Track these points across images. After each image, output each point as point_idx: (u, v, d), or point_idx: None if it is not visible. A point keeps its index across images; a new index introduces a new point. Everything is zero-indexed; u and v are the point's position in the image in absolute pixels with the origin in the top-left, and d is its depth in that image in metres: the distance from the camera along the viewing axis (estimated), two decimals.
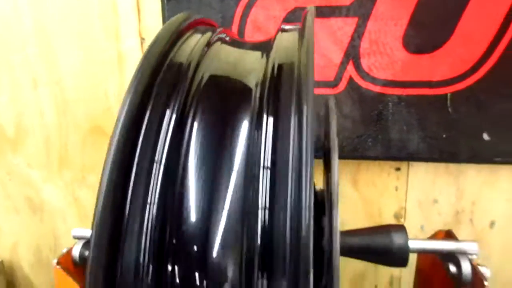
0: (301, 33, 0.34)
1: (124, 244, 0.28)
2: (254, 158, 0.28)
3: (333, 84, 0.80)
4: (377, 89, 0.79)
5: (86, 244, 0.51)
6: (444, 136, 0.78)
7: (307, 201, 0.25)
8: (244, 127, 0.30)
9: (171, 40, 0.34)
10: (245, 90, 0.32)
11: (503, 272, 0.86)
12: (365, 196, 0.88)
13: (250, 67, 0.34)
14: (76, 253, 0.50)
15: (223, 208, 0.28)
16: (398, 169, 0.85)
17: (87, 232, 0.52)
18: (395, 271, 0.92)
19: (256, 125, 0.30)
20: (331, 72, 0.80)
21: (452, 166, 0.83)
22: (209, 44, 0.36)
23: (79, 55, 0.93)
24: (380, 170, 0.86)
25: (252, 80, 0.32)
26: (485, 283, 0.41)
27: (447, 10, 0.73)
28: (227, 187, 0.28)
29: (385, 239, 0.44)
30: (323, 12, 0.77)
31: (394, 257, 0.44)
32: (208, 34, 0.38)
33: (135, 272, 0.28)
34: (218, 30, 0.40)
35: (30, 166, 1.05)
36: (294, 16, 0.78)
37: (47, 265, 1.14)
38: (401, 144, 0.80)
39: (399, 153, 0.80)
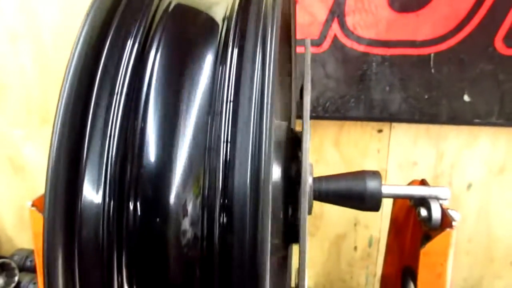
0: None
1: (83, 181, 0.27)
2: (218, 93, 0.28)
3: (318, 42, 0.79)
4: (361, 48, 0.78)
5: None
6: (426, 97, 0.78)
7: (268, 136, 0.25)
8: (209, 61, 0.29)
9: None
10: (212, 23, 0.31)
11: (479, 232, 0.89)
12: (347, 157, 0.89)
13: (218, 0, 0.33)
14: None
15: (186, 142, 0.27)
16: (380, 131, 0.86)
17: None
18: (374, 232, 0.94)
19: (221, 60, 0.29)
20: (316, 30, 0.79)
21: (433, 129, 0.83)
22: None
23: (59, 8, 0.90)
24: (363, 132, 0.86)
25: (220, 13, 0.31)
26: (454, 223, 0.41)
27: None
28: (189, 122, 0.27)
29: (360, 184, 0.45)
30: None
31: (368, 201, 0.45)
32: None
33: (96, 211, 0.27)
34: None
35: (11, 125, 1.03)
36: None
37: (30, 225, 1.14)
38: (383, 104, 0.80)
39: (381, 114, 0.80)
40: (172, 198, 0.26)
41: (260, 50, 0.27)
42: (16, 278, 0.93)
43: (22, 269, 0.99)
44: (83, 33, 0.28)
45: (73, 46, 0.28)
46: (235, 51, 0.29)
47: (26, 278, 0.95)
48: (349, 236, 0.96)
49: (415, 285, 0.52)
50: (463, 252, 0.89)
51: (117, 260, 0.26)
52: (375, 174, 0.46)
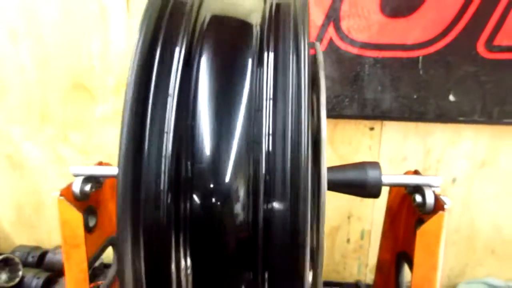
0: None
1: (145, 171, 0.31)
2: (258, 91, 0.32)
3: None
4: (355, 50, 0.83)
5: (85, 180, 0.54)
6: (414, 96, 0.84)
7: (306, 128, 0.30)
8: (247, 63, 0.33)
9: None
10: (247, 29, 0.35)
11: (463, 223, 0.95)
12: (340, 154, 0.94)
13: (250, 7, 0.37)
14: (76, 188, 0.53)
15: (232, 137, 0.31)
16: (372, 128, 0.91)
17: (84, 169, 0.55)
18: (366, 225, 1.00)
19: (258, 62, 0.33)
20: (313, 33, 0.83)
21: (421, 126, 0.89)
22: None
23: (59, 7, 0.92)
24: (356, 130, 0.92)
25: (253, 20, 0.36)
26: (445, 206, 0.47)
27: None
28: (234, 118, 0.32)
29: (362, 174, 0.49)
30: None
31: (369, 189, 0.49)
32: None
33: (155, 199, 0.31)
34: None
35: (10, 122, 1.04)
36: None
37: (29, 223, 1.15)
38: (375, 103, 0.85)
39: (373, 112, 0.86)
40: (227, 186, 0.30)
41: (294, 53, 0.32)
42: (20, 273, 0.95)
43: (24, 264, 1.00)
44: (139, 47, 0.32)
45: (132, 58, 0.32)
46: (271, 54, 0.33)
47: (29, 273, 0.97)
48: (343, 228, 1.01)
49: (410, 267, 0.57)
50: (450, 242, 0.96)
51: (175, 239, 0.31)
52: (375, 164, 0.50)
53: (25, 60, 0.97)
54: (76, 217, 0.52)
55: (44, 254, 1.06)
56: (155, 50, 0.32)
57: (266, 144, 0.31)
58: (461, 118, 0.84)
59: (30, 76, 0.98)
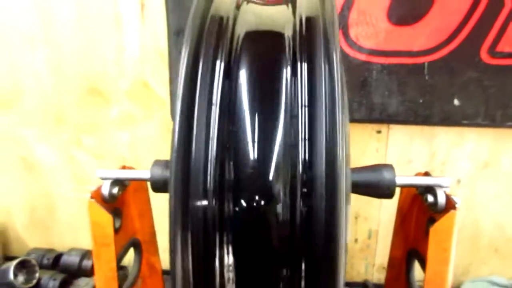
0: None
1: (193, 175, 0.34)
2: (293, 99, 0.35)
3: None
4: (363, 57, 0.87)
5: (113, 183, 0.57)
6: (420, 100, 0.87)
7: (341, 133, 0.33)
8: (282, 73, 0.36)
9: None
10: (280, 41, 0.38)
11: (467, 222, 0.98)
12: None
13: (281, 21, 0.40)
14: (105, 191, 0.55)
15: (271, 142, 0.34)
16: (379, 131, 0.94)
17: (111, 173, 0.58)
18: (373, 225, 1.03)
19: (292, 71, 0.36)
20: None
21: (426, 129, 0.93)
22: (239, 3, 0.42)
23: (76, 16, 0.94)
24: (363, 133, 0.95)
25: (285, 32, 0.38)
26: (457, 205, 0.50)
27: None
28: (272, 125, 0.34)
29: (377, 175, 0.52)
30: None
31: (384, 190, 0.52)
32: None
33: (202, 200, 0.34)
34: None
35: (26, 125, 1.07)
36: None
37: (42, 225, 1.18)
38: (382, 107, 0.89)
39: (381, 116, 0.89)
40: (267, 188, 0.33)
41: (326, 62, 0.35)
42: (37, 275, 0.97)
43: (40, 266, 1.03)
44: (184, 63, 0.35)
45: (180, 73, 0.35)
46: (304, 64, 0.36)
47: (45, 275, 0.99)
48: (350, 228, 1.04)
49: (420, 263, 0.60)
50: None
51: (219, 237, 0.34)
52: (390, 167, 0.54)
53: (41, 65, 1.00)
54: (106, 218, 0.54)
55: (59, 256, 1.08)
56: (198, 64, 0.35)
57: (302, 148, 0.34)
58: (465, 122, 0.88)
59: (46, 80, 1.01)
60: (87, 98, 1.01)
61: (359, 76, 0.87)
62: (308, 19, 0.39)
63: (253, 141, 0.34)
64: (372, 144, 0.95)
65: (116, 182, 0.58)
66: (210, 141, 0.34)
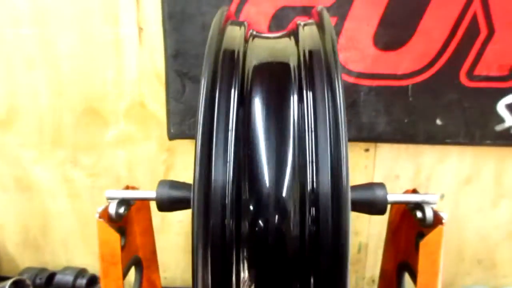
0: (320, 25, 0.45)
1: (213, 196, 0.37)
2: (301, 124, 0.39)
3: None
4: (351, 80, 0.92)
5: (120, 203, 0.59)
6: (405, 120, 0.93)
7: (345, 155, 0.37)
8: (290, 100, 0.40)
9: (221, 32, 0.44)
10: (286, 71, 0.42)
11: (452, 235, 1.03)
12: None
13: (286, 53, 0.44)
14: (112, 210, 0.58)
15: (281, 164, 0.38)
16: (367, 150, 0.99)
17: (118, 193, 0.61)
18: (363, 239, 1.07)
19: (299, 99, 0.40)
20: None
21: (411, 148, 0.98)
22: (246, 37, 0.46)
23: (77, 39, 0.97)
24: (352, 151, 1.00)
25: (290, 64, 0.43)
26: (443, 221, 0.54)
27: (410, 13, 0.88)
28: (282, 148, 0.38)
29: (370, 193, 0.57)
30: (307, 11, 0.89)
31: (377, 207, 0.57)
32: (241, 27, 0.48)
33: (221, 219, 0.37)
34: (245, 24, 0.50)
35: (21, 146, 1.08)
36: (282, 13, 0.90)
37: (34, 245, 1.18)
38: (370, 127, 0.94)
39: (369, 135, 0.94)
40: (279, 206, 0.37)
41: (329, 90, 0.39)
42: None
43: (33, 286, 1.03)
44: (204, 92, 0.39)
45: (199, 100, 0.39)
46: (309, 93, 0.40)
47: None
48: None
49: (410, 275, 0.64)
50: None
51: (235, 253, 0.37)
52: (382, 185, 0.58)
53: (40, 87, 1.02)
54: (114, 237, 0.57)
55: (51, 275, 1.08)
56: (215, 94, 0.39)
57: (310, 169, 0.38)
58: (447, 140, 0.93)
59: (44, 101, 1.03)
60: (84, 118, 1.04)
61: (348, 98, 0.92)
62: (311, 51, 0.43)
63: (265, 163, 0.38)
64: (361, 161, 1.00)
65: (122, 202, 0.61)
66: (228, 164, 0.37)
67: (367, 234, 1.06)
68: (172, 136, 0.99)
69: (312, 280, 0.38)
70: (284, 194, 0.37)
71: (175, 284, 1.16)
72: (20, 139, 1.07)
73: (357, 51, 0.90)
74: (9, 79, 1.02)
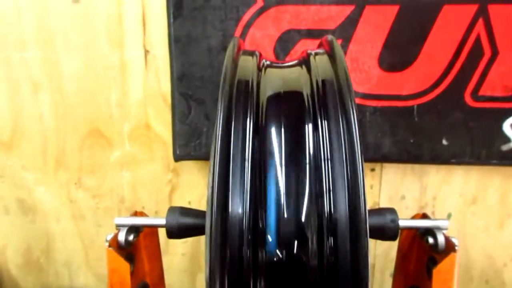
0: (331, 54, 0.45)
1: (230, 226, 0.37)
2: (317, 153, 0.39)
3: None
4: (357, 100, 0.92)
5: (129, 230, 0.59)
6: (411, 141, 0.93)
7: (362, 183, 0.37)
8: (305, 129, 0.40)
9: (235, 63, 0.44)
10: (300, 101, 0.42)
11: (460, 254, 1.02)
12: None
13: (299, 83, 0.45)
14: (121, 238, 0.58)
15: (298, 193, 0.38)
16: (373, 169, 0.99)
17: (127, 220, 0.60)
18: (370, 260, 1.06)
19: (314, 128, 0.40)
20: None
21: (417, 167, 0.98)
22: (259, 67, 0.47)
23: (82, 62, 0.98)
24: None
25: (303, 93, 0.43)
26: (456, 248, 0.54)
27: (415, 35, 0.88)
28: (298, 177, 0.38)
29: (381, 219, 0.56)
30: (312, 34, 0.90)
31: (388, 233, 0.56)
32: (254, 57, 0.48)
33: (239, 249, 0.37)
34: (257, 53, 0.51)
35: (25, 168, 1.08)
36: (288, 36, 0.90)
37: (37, 267, 1.17)
38: (376, 147, 0.94)
39: (374, 155, 0.94)
40: (296, 236, 0.37)
41: (344, 118, 0.39)
42: None
43: None
44: (220, 123, 0.39)
45: (216, 129, 0.39)
46: (324, 122, 0.40)
47: None
48: None
49: None
50: None
51: (253, 281, 0.36)
52: (392, 211, 0.58)
53: (44, 109, 1.02)
54: (124, 266, 0.56)
55: None
56: (230, 124, 0.39)
57: (327, 199, 0.37)
58: (453, 160, 0.93)
59: (48, 124, 1.03)
60: (89, 140, 1.04)
61: None
62: (324, 80, 0.43)
63: (282, 193, 0.38)
64: (367, 181, 1.00)
65: (131, 229, 0.60)
66: (244, 193, 0.37)
67: (373, 255, 1.05)
68: (177, 158, 0.98)
69: None
70: (301, 223, 0.37)
71: None
72: (24, 161, 1.07)
73: (362, 72, 0.91)
74: (13, 101, 1.02)
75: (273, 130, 0.41)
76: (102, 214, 1.10)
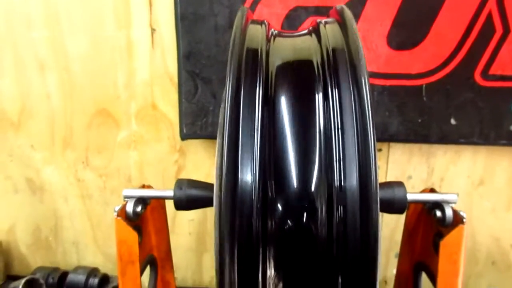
0: (342, 23, 0.45)
1: (239, 196, 0.37)
2: (327, 122, 0.39)
3: None
4: None
5: (137, 202, 0.59)
6: (419, 120, 0.92)
7: (373, 152, 0.36)
8: (315, 98, 0.40)
9: (243, 32, 0.44)
10: (310, 70, 0.42)
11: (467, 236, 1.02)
12: None
13: (308, 52, 0.44)
14: (129, 209, 0.58)
15: (308, 162, 0.37)
16: (380, 150, 0.99)
17: (135, 192, 0.61)
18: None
19: (324, 97, 0.40)
20: None
21: (424, 148, 0.97)
22: (268, 36, 0.46)
23: (88, 42, 0.98)
24: None
25: (313, 62, 0.43)
26: (464, 220, 0.54)
27: (424, 13, 0.87)
28: (308, 146, 0.38)
29: (391, 192, 0.56)
30: (320, 11, 0.89)
31: (396, 206, 0.56)
32: (263, 26, 0.48)
33: (248, 218, 0.37)
34: (265, 22, 0.50)
35: (33, 148, 1.08)
36: (295, 13, 0.89)
37: (46, 245, 1.18)
38: (384, 127, 0.93)
39: (382, 135, 0.94)
40: (309, 207, 0.37)
41: (355, 86, 0.39)
42: None
43: (46, 286, 1.03)
44: (229, 91, 0.38)
45: (225, 100, 0.39)
46: (335, 90, 0.40)
47: None
48: None
49: (428, 275, 0.63)
50: None
51: (262, 251, 0.37)
52: (401, 184, 0.57)
53: (51, 90, 1.02)
54: (132, 236, 0.57)
55: (64, 275, 1.08)
56: (240, 93, 0.39)
57: (337, 168, 0.37)
58: (461, 140, 0.92)
59: (55, 103, 1.04)
60: (96, 120, 1.04)
61: None
62: (334, 48, 0.43)
63: (291, 162, 0.38)
64: None
65: (139, 200, 0.61)
66: (254, 163, 0.37)
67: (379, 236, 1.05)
68: (184, 137, 0.99)
69: (340, 280, 0.37)
70: (311, 193, 0.37)
71: (185, 284, 1.16)
72: (32, 141, 1.08)
73: (370, 51, 0.90)
74: (21, 82, 1.03)
75: (282, 100, 0.40)
76: (109, 193, 1.10)
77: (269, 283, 0.37)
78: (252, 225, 0.36)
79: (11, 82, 1.03)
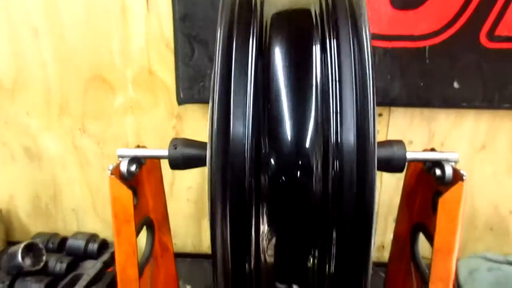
0: None
1: (231, 150, 0.36)
2: (324, 75, 0.37)
3: None
4: None
5: (131, 161, 0.59)
6: (421, 84, 0.90)
7: (372, 107, 0.35)
8: (312, 50, 0.38)
9: None
10: (308, 19, 0.39)
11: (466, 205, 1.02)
12: None
13: (306, 1, 0.42)
14: (123, 168, 0.57)
15: (303, 116, 0.36)
16: (380, 114, 0.97)
17: (129, 151, 0.60)
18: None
19: (322, 48, 0.38)
20: None
21: (426, 112, 0.96)
22: None
23: (82, 7, 0.95)
24: None
25: (312, 12, 0.40)
26: (464, 177, 0.53)
27: None
28: (304, 100, 0.36)
29: (389, 151, 0.55)
30: None
31: (395, 165, 0.55)
32: None
33: (240, 173, 0.36)
34: None
35: (29, 115, 1.07)
36: None
37: (46, 213, 1.18)
38: (385, 91, 0.91)
39: (384, 99, 0.92)
40: (299, 160, 0.35)
41: (355, 38, 0.37)
42: (44, 258, 0.98)
43: (46, 250, 1.03)
44: (221, 40, 0.36)
45: (216, 50, 0.37)
46: (333, 41, 0.38)
47: (52, 258, 1.00)
48: None
49: (426, 235, 0.63)
50: None
51: (255, 207, 0.36)
52: (400, 143, 0.56)
53: (46, 56, 1.00)
54: (127, 194, 0.56)
55: (63, 240, 1.09)
56: (232, 43, 0.37)
57: (334, 123, 0.36)
58: (464, 104, 0.91)
59: (50, 70, 1.01)
60: (92, 86, 1.02)
61: None
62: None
63: (285, 117, 0.36)
64: None
65: (134, 160, 0.60)
66: (247, 118, 0.36)
67: (377, 201, 1.04)
68: (181, 101, 0.97)
69: (334, 235, 0.36)
70: (306, 148, 0.36)
71: (185, 250, 1.17)
72: (27, 108, 1.06)
73: (372, 11, 0.87)
74: (15, 48, 1.00)
75: (277, 52, 0.38)
76: (107, 160, 1.10)
77: (263, 239, 0.36)
78: (244, 181, 0.35)
79: (5, 49, 1.00)
